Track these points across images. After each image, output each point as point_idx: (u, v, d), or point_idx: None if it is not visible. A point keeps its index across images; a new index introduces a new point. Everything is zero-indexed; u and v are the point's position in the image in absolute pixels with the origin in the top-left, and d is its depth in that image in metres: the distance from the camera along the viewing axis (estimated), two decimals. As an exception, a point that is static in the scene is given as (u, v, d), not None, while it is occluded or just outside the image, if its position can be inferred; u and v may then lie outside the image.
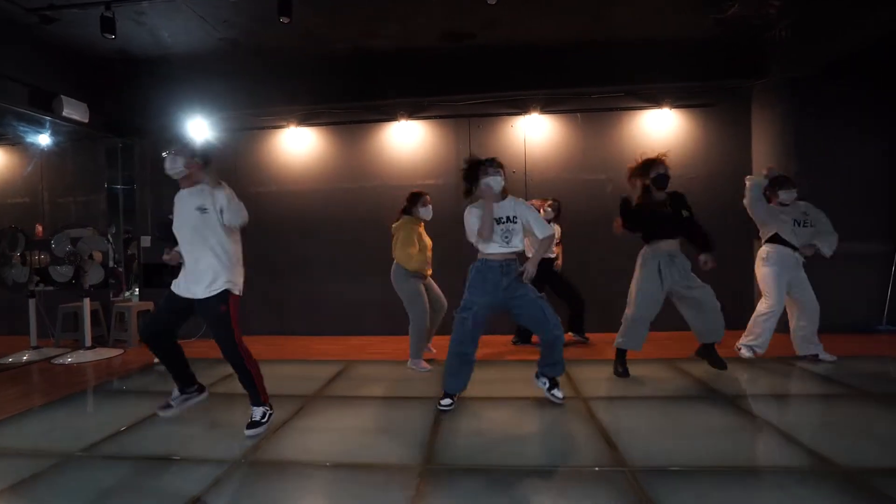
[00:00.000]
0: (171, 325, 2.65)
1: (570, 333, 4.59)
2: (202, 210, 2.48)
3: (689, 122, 5.26)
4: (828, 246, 3.78)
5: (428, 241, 3.94)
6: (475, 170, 2.88)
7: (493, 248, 2.82)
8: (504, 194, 2.90)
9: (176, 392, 2.75)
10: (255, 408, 2.61)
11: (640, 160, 3.43)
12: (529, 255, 2.93)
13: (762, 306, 3.84)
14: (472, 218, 2.85)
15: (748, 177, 3.96)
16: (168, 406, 2.70)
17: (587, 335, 4.69)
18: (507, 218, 2.83)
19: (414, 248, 3.75)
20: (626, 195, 3.44)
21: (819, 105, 4.88)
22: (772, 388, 3.31)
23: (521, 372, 3.72)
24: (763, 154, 5.11)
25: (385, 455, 2.33)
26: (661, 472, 2.08)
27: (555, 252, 4.52)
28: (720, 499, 1.86)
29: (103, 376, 3.98)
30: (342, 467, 2.23)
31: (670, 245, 3.36)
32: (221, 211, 2.49)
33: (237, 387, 3.49)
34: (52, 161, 6.01)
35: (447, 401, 2.90)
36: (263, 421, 2.59)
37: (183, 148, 2.56)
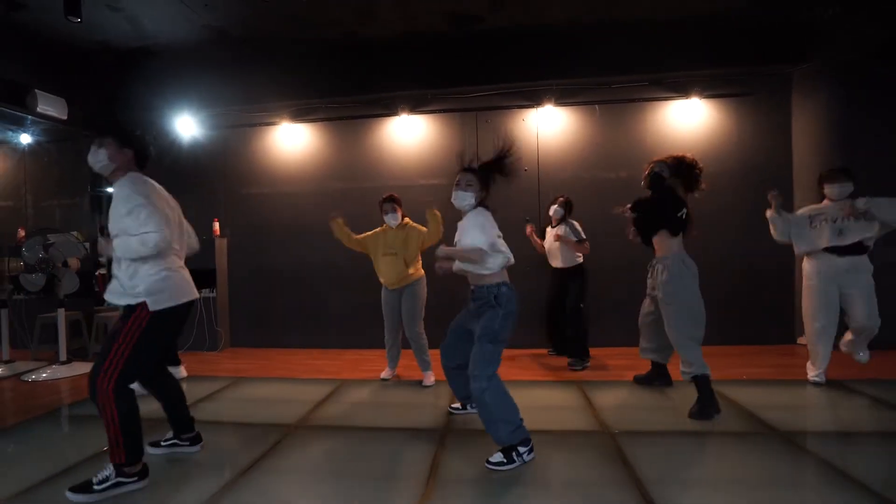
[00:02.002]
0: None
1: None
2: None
3: (720, 114, 4.74)
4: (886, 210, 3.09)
5: (382, 247, 3.57)
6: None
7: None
8: (479, 203, 2.46)
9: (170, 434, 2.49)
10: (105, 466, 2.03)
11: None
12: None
13: (807, 328, 3.39)
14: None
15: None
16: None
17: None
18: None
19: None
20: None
21: (869, 92, 4.32)
22: (831, 423, 2.80)
23: (543, 396, 3.28)
24: (805, 148, 4.59)
25: (369, 513, 1.89)
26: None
27: (580, 258, 4.04)
28: None
29: (75, 396, 3.59)
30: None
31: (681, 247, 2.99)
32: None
33: (209, 413, 3.09)
34: (36, 162, 5.69)
35: (455, 405, 2.97)
36: (98, 488, 1.96)
37: (108, 137, 2.10)
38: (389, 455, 2.42)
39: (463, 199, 2.42)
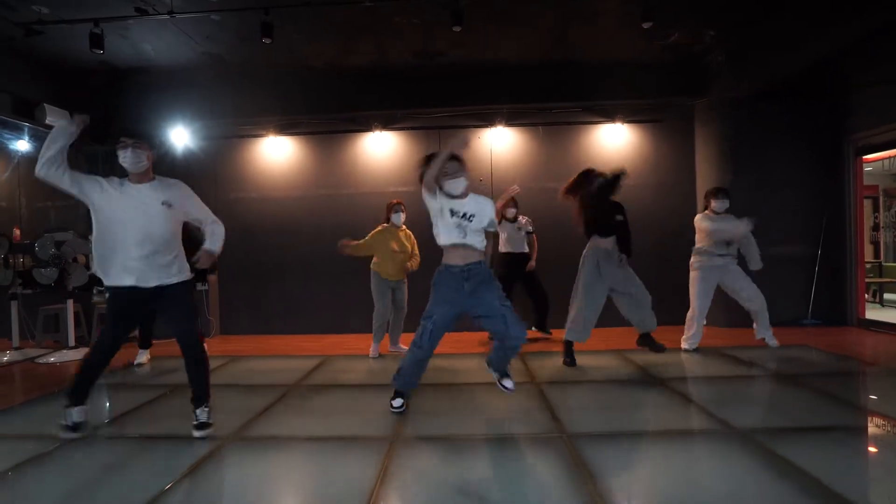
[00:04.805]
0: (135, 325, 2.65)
1: (534, 329, 5.01)
2: (168, 205, 2.63)
3: (639, 136, 5.78)
4: (754, 261, 4.24)
5: (394, 246, 4.28)
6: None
7: (451, 240, 2.73)
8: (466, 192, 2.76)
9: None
10: (205, 408, 2.64)
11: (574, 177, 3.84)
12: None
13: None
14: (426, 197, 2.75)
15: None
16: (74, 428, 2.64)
17: (551, 331, 5.09)
18: (464, 215, 2.71)
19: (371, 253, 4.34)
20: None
21: (755, 121, 5.43)
22: (699, 372, 3.79)
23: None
24: (705, 166, 5.67)
25: (360, 429, 2.67)
26: (592, 436, 2.49)
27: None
28: (637, 455, 2.28)
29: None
30: (321, 440, 2.56)
31: (607, 243, 3.78)
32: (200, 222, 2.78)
33: (216, 381, 3.79)
34: (31, 166, 6.09)
35: (398, 402, 2.90)
36: (212, 421, 2.63)
37: (142, 140, 2.62)
38: (373, 399, 3.20)
39: (461, 184, 2.71)
